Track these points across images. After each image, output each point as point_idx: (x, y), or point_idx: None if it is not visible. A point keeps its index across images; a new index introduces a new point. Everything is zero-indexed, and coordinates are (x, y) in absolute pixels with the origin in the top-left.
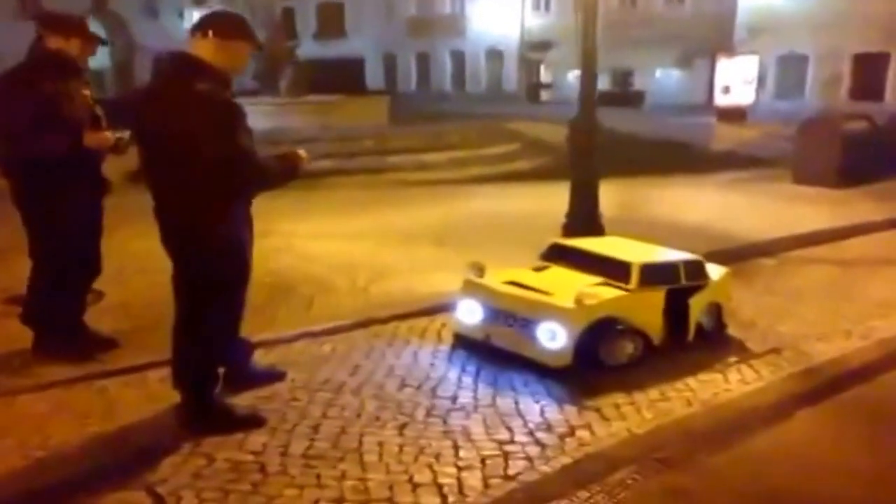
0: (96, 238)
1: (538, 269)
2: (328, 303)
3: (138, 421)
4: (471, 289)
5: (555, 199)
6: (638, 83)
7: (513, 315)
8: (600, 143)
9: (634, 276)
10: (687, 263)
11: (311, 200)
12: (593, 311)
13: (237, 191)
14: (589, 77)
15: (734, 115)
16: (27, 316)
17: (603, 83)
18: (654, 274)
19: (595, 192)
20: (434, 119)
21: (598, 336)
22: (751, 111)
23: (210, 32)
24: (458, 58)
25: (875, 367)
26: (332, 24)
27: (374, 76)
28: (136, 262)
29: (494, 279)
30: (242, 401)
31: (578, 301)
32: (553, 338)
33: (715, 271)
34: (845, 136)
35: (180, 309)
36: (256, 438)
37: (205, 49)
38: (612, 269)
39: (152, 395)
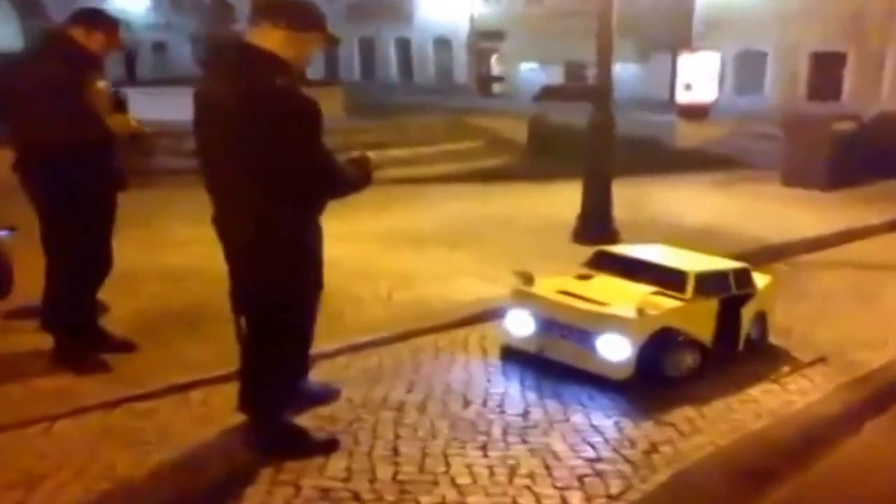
0: (108, 232)
1: (583, 277)
2: (358, 314)
3: (198, 446)
4: (521, 298)
5: (552, 200)
6: (592, 76)
7: (569, 326)
8: (561, 140)
9: (690, 285)
10: (736, 272)
11: None
12: (655, 321)
13: (317, 199)
14: (604, 71)
15: (696, 113)
16: (46, 321)
17: (558, 77)
18: (707, 283)
19: (608, 193)
20: (386, 112)
21: (659, 347)
22: (712, 108)
23: (281, 22)
24: (405, 46)
25: None
26: None
27: (313, 65)
28: (140, 268)
29: (545, 288)
30: (302, 421)
31: (641, 311)
32: (615, 349)
33: (760, 280)
34: (835, 138)
35: (248, 327)
36: (337, 463)
37: (273, 40)
38: (666, 278)
39: (199, 416)
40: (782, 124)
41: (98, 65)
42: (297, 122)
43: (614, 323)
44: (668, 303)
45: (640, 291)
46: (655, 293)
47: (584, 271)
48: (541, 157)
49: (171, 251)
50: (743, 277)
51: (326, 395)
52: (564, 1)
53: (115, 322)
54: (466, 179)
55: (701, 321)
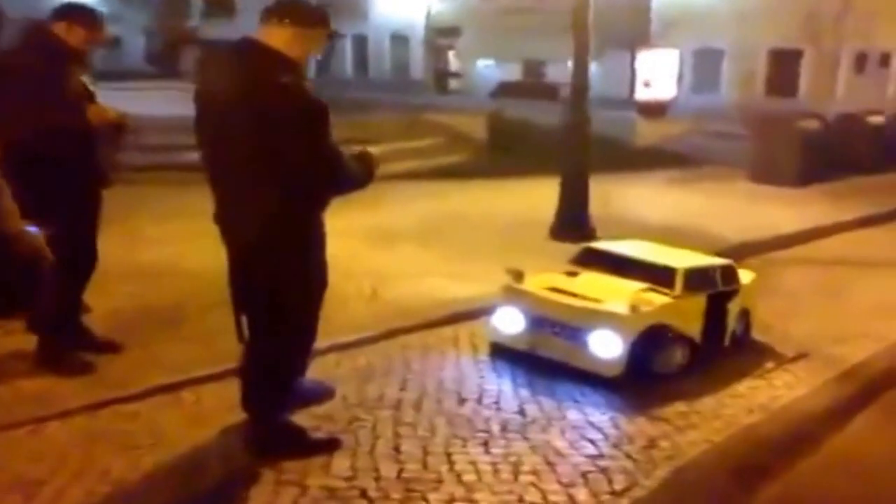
0: (93, 230)
1: (572, 274)
2: (344, 312)
3: (194, 448)
4: (512, 295)
5: (521, 197)
6: (551, 74)
7: (561, 323)
8: (520, 137)
9: (679, 281)
10: (722, 268)
11: None
12: (647, 317)
13: (323, 195)
14: (581, 69)
15: (655, 110)
16: (32, 322)
17: (515, 74)
18: (695, 279)
19: (585, 190)
20: (342, 109)
21: (650, 344)
22: (670, 106)
23: (287, 20)
24: (361, 43)
25: None
26: (220, 2)
27: None
28: (113, 267)
29: (536, 285)
30: (300, 421)
31: (633, 307)
32: (606, 346)
33: (744, 276)
34: (803, 136)
35: (252, 325)
36: (340, 462)
37: (280, 38)
38: (655, 275)
39: (192, 417)
40: (752, 122)
41: (79, 59)
42: (304, 118)
43: (607, 319)
44: (659, 299)
45: (631, 288)
46: (645, 290)
47: (572, 268)
48: (501, 153)
49: (143, 249)
50: (728, 274)
51: (322, 394)
52: None
53: (93, 322)
54: (428, 177)
55: (690, 317)
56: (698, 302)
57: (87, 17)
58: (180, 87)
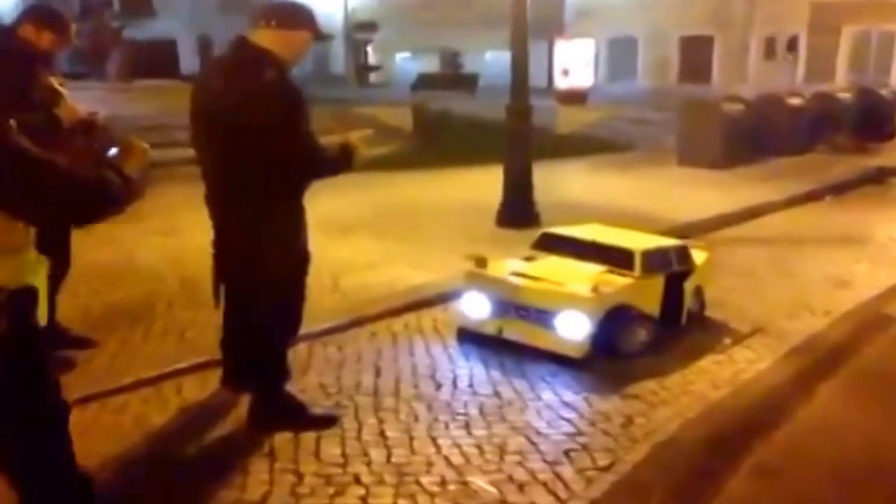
0: (67, 228)
1: (531, 259)
2: (308, 303)
3: (184, 439)
4: (476, 281)
5: (459, 185)
6: (468, 65)
7: (526, 307)
8: (440, 127)
9: (638, 262)
10: (676, 249)
11: (194, 193)
12: (610, 298)
13: (300, 179)
14: (520, 60)
15: (575, 98)
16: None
17: (433, 65)
18: (653, 260)
19: (529, 177)
20: None
21: (614, 324)
22: (589, 93)
23: (273, 22)
24: None
25: (853, 339)
26: (137, 2)
27: (188, 59)
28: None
29: (499, 270)
30: None
31: (595, 289)
32: (573, 328)
33: (697, 256)
34: (726, 119)
35: (239, 307)
36: (330, 449)
37: (267, 38)
38: (614, 257)
39: (178, 409)
40: (677, 107)
41: (48, 62)
42: (284, 112)
43: (572, 301)
44: (621, 280)
45: (592, 271)
46: (606, 272)
47: (531, 253)
48: (428, 143)
49: (100, 249)
50: (683, 255)
51: None
52: None
53: (65, 320)
54: (363, 168)
55: (650, 297)
56: (657, 282)
57: (56, 21)
58: (108, 88)
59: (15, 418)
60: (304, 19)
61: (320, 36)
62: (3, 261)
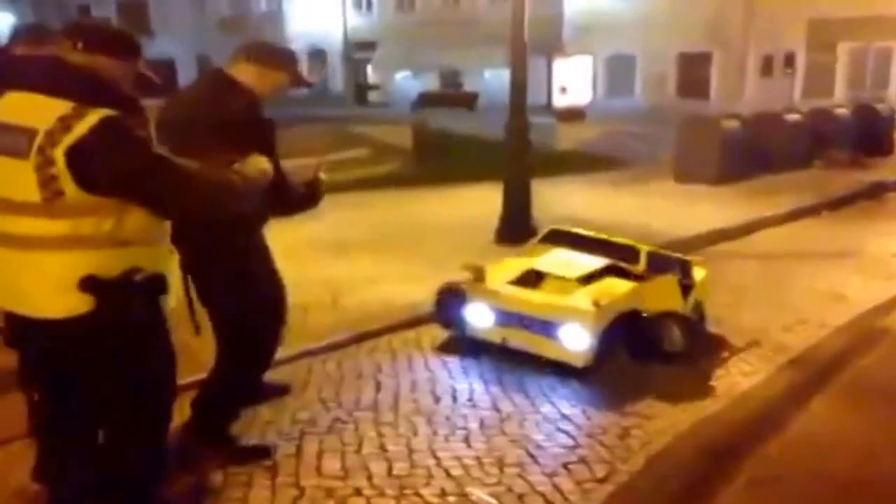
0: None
1: (533, 254)
2: (308, 320)
3: (186, 451)
4: (478, 293)
5: (457, 203)
6: (468, 84)
7: (529, 317)
8: (444, 145)
9: (643, 260)
10: (680, 262)
11: None
12: (610, 308)
13: (263, 217)
14: (519, 78)
15: (573, 115)
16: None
17: (433, 84)
18: (659, 261)
19: (528, 194)
20: None
21: (623, 332)
22: (587, 110)
23: (253, 58)
24: None
25: (848, 352)
26: (135, 22)
27: (187, 79)
28: None
29: (499, 278)
30: (283, 426)
31: (595, 302)
32: (575, 339)
33: (696, 272)
34: (723, 136)
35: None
36: (331, 463)
37: (242, 72)
38: (620, 254)
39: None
40: (675, 124)
41: None
42: (249, 136)
43: (573, 315)
44: (623, 287)
45: (590, 266)
46: (609, 278)
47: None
48: (428, 162)
49: None
50: (685, 269)
51: (277, 390)
52: (435, 10)
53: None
54: (361, 187)
55: (666, 296)
56: (671, 281)
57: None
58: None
59: (129, 388)
60: (284, 62)
61: (299, 82)
62: (143, 251)
